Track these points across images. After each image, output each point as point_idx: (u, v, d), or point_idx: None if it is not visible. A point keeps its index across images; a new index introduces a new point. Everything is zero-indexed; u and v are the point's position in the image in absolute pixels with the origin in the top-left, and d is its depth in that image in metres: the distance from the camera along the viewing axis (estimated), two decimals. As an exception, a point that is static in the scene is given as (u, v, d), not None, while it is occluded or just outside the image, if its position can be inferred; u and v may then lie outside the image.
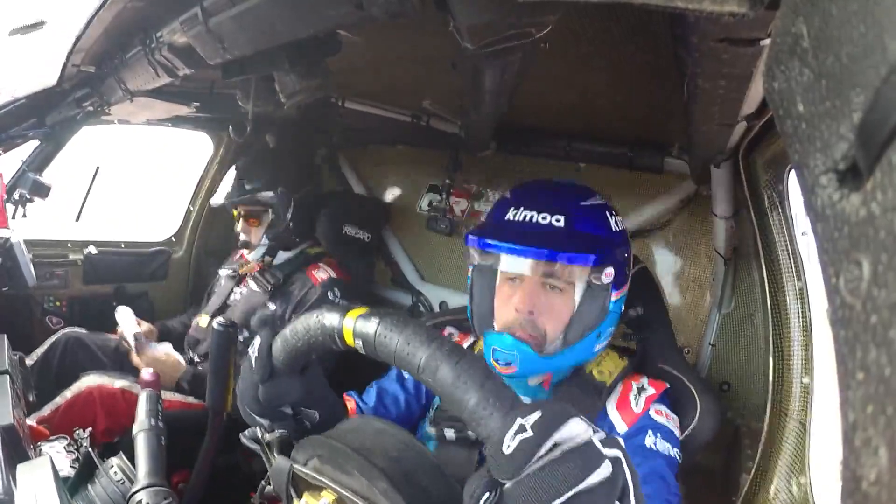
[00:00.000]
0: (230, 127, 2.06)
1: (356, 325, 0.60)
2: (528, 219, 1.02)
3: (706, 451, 1.14)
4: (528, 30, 0.60)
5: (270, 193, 2.01)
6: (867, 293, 0.18)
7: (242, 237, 2.07)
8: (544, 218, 1.01)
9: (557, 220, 1.01)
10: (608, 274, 1.01)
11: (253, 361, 0.72)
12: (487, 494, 0.47)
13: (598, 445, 0.47)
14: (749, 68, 0.57)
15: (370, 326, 0.59)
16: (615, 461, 0.48)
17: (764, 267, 1.23)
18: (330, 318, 0.63)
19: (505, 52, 0.67)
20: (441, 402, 0.54)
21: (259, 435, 0.77)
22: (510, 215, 1.04)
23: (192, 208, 2.67)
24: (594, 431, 0.48)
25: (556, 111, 1.51)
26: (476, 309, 1.12)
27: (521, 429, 0.46)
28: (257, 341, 0.73)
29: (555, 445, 0.46)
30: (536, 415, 0.47)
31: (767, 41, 0.47)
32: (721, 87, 0.64)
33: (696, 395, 1.12)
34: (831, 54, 0.21)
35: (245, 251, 2.10)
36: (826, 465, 1.14)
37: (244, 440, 0.79)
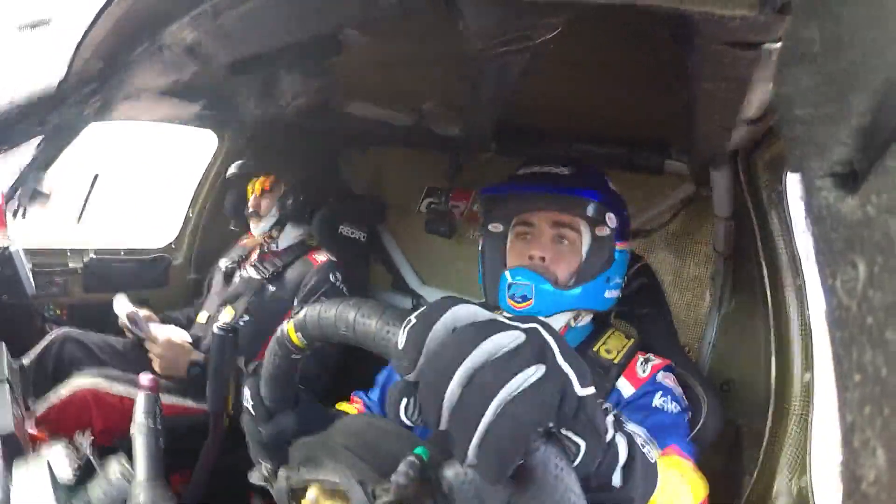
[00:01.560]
0: (232, 127, 2.08)
1: (295, 322, 0.64)
2: (536, 170, 1.12)
3: (707, 452, 1.14)
4: (536, 31, 0.60)
5: (286, 161, 2.09)
6: (863, 294, 0.18)
7: (251, 209, 2.10)
8: (551, 169, 1.11)
9: (563, 169, 1.10)
10: (611, 218, 1.06)
11: (251, 409, 0.75)
12: (405, 400, 0.44)
13: (503, 319, 0.43)
14: (750, 71, 0.57)
15: (301, 314, 0.63)
16: (530, 330, 0.42)
17: (764, 266, 1.23)
18: (280, 329, 0.67)
19: (510, 54, 0.67)
20: (360, 344, 0.55)
21: (266, 473, 0.79)
22: (520, 172, 1.14)
23: (191, 214, 2.67)
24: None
25: (556, 113, 1.51)
26: (488, 271, 1.16)
27: (409, 323, 0.44)
28: (247, 392, 0.76)
29: (453, 332, 0.42)
30: (423, 308, 0.45)
31: (770, 45, 0.47)
32: (721, 90, 0.65)
33: (701, 396, 1.12)
34: (837, 59, 0.22)
35: (252, 224, 2.12)
36: (827, 464, 1.14)
37: (252, 479, 0.81)
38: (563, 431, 0.42)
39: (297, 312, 0.65)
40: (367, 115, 1.70)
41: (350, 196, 2.50)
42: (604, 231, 1.07)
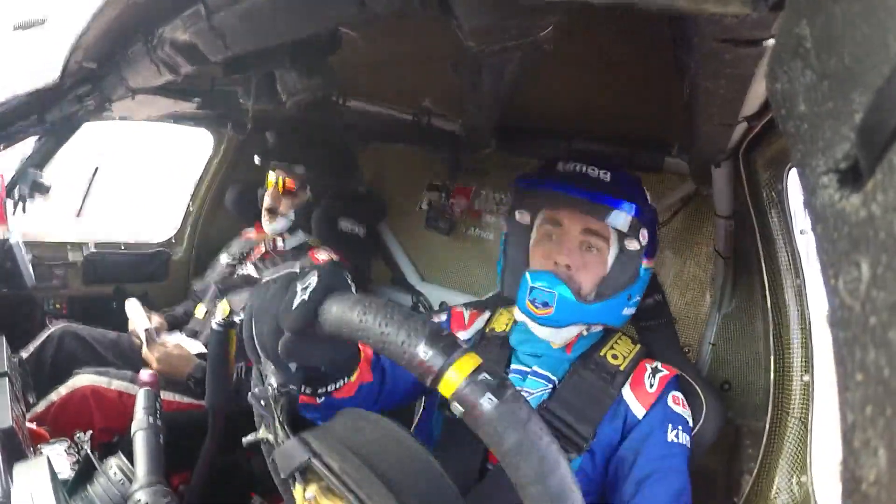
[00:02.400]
0: (230, 124, 2.07)
1: (463, 391, 0.49)
2: (577, 169, 1.07)
3: (708, 451, 1.14)
4: (530, 30, 0.60)
5: (316, 170, 2.04)
6: (866, 294, 0.18)
7: (268, 202, 2.06)
8: (593, 171, 1.06)
9: (605, 174, 1.05)
10: (644, 235, 1.03)
11: (296, 301, 0.59)
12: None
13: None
14: (750, 69, 0.57)
15: (485, 404, 0.48)
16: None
17: (764, 266, 1.23)
18: (426, 352, 0.52)
19: (506, 52, 0.67)
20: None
21: (266, 394, 0.68)
22: (560, 167, 1.09)
23: (191, 208, 2.67)
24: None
25: (556, 110, 1.51)
26: (509, 266, 1.13)
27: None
28: (313, 281, 0.60)
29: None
30: None
31: (770, 42, 0.47)
32: (722, 87, 0.64)
33: (702, 396, 1.12)
34: (834, 55, 0.21)
35: (267, 218, 2.08)
36: (827, 463, 1.14)
37: (251, 399, 0.72)
38: None
39: (479, 383, 0.51)
40: (366, 112, 1.70)
41: (349, 192, 2.50)
42: (634, 245, 1.04)
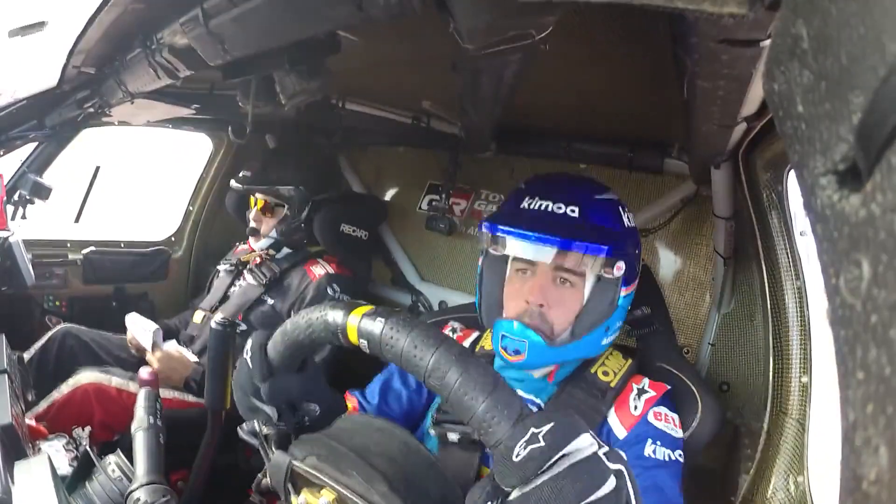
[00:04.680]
0: (229, 128, 2.07)
1: (361, 324, 0.60)
2: (542, 207, 1.02)
3: (706, 451, 1.14)
4: (528, 31, 0.60)
5: (291, 188, 2.03)
6: (867, 293, 0.18)
7: (252, 224, 2.08)
8: (559, 207, 1.01)
9: (572, 211, 1.01)
10: (619, 268, 1.01)
11: (249, 363, 0.74)
12: (490, 503, 0.47)
13: (604, 459, 0.49)
14: (749, 69, 0.57)
15: (376, 326, 0.59)
16: (618, 474, 0.49)
17: (763, 267, 1.23)
18: (333, 315, 0.63)
19: (505, 53, 0.67)
20: (446, 405, 0.54)
21: (257, 429, 0.77)
22: (525, 204, 1.05)
23: (191, 208, 2.67)
24: (599, 445, 0.50)
25: (555, 112, 1.51)
26: (485, 300, 1.11)
27: (534, 438, 0.47)
28: (250, 342, 0.75)
29: (562, 456, 0.47)
30: (549, 425, 0.48)
31: (767, 42, 0.47)
32: (721, 88, 0.64)
33: (697, 396, 1.12)
34: (831, 55, 0.22)
35: (252, 239, 2.10)
36: (824, 463, 1.15)
37: (242, 434, 0.79)
38: None
39: (373, 315, 0.61)
40: (366, 114, 1.70)
41: (350, 195, 2.50)
42: (610, 274, 1.01)
